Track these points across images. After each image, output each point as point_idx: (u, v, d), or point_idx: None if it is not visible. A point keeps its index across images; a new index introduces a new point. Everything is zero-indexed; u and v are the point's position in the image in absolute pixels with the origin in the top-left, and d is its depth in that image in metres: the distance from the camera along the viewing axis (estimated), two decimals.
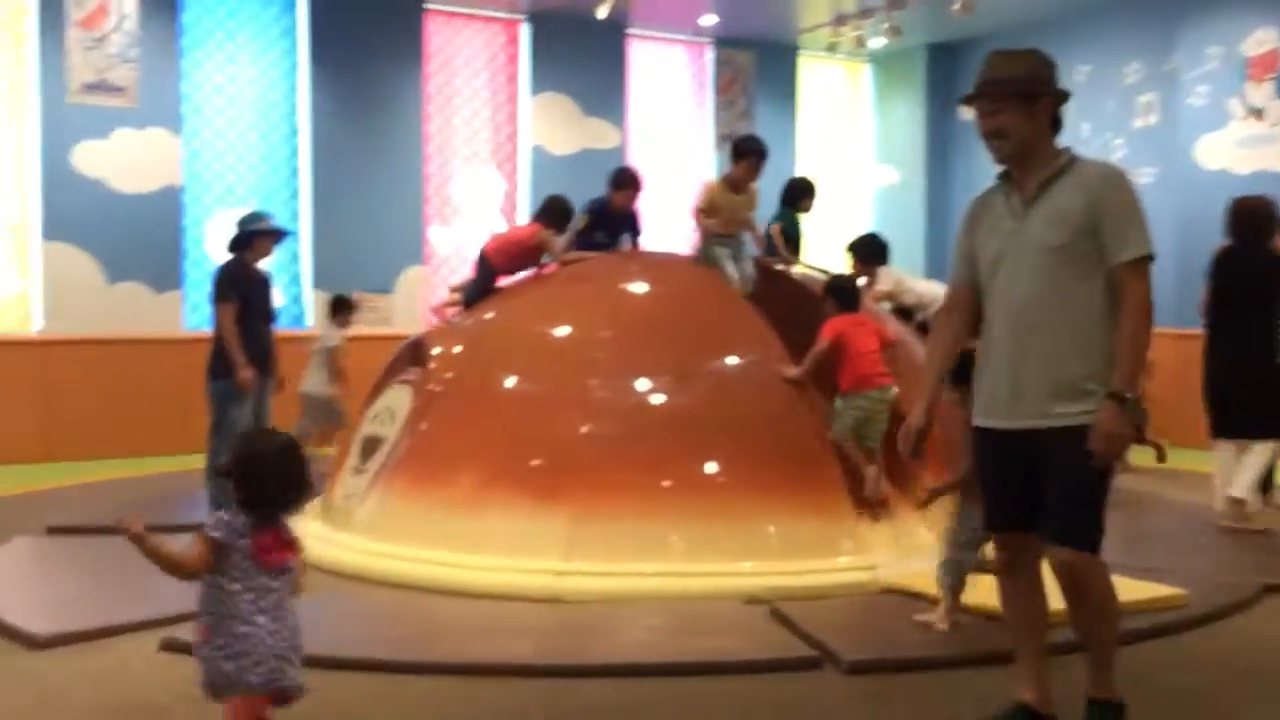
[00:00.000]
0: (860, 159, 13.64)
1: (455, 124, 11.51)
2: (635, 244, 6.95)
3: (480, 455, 5.52)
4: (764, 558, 5.12)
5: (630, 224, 6.91)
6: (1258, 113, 10.14)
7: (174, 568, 2.89)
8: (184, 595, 4.95)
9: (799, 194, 7.82)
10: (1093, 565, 3.27)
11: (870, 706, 3.83)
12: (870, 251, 7.69)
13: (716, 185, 6.41)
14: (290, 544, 3.00)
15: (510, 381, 5.80)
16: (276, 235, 6.78)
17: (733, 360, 5.82)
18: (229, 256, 6.70)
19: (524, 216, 11.65)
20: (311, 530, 5.87)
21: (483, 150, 11.65)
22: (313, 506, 6.29)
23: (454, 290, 7.07)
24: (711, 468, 5.34)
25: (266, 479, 2.95)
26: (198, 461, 8.22)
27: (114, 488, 7.87)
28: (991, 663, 4.02)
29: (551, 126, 11.74)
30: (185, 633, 4.32)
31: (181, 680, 3.94)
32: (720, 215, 6.26)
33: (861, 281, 7.14)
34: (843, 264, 7.76)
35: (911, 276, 8.21)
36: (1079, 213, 3.23)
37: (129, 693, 3.85)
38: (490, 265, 6.62)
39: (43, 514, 6.65)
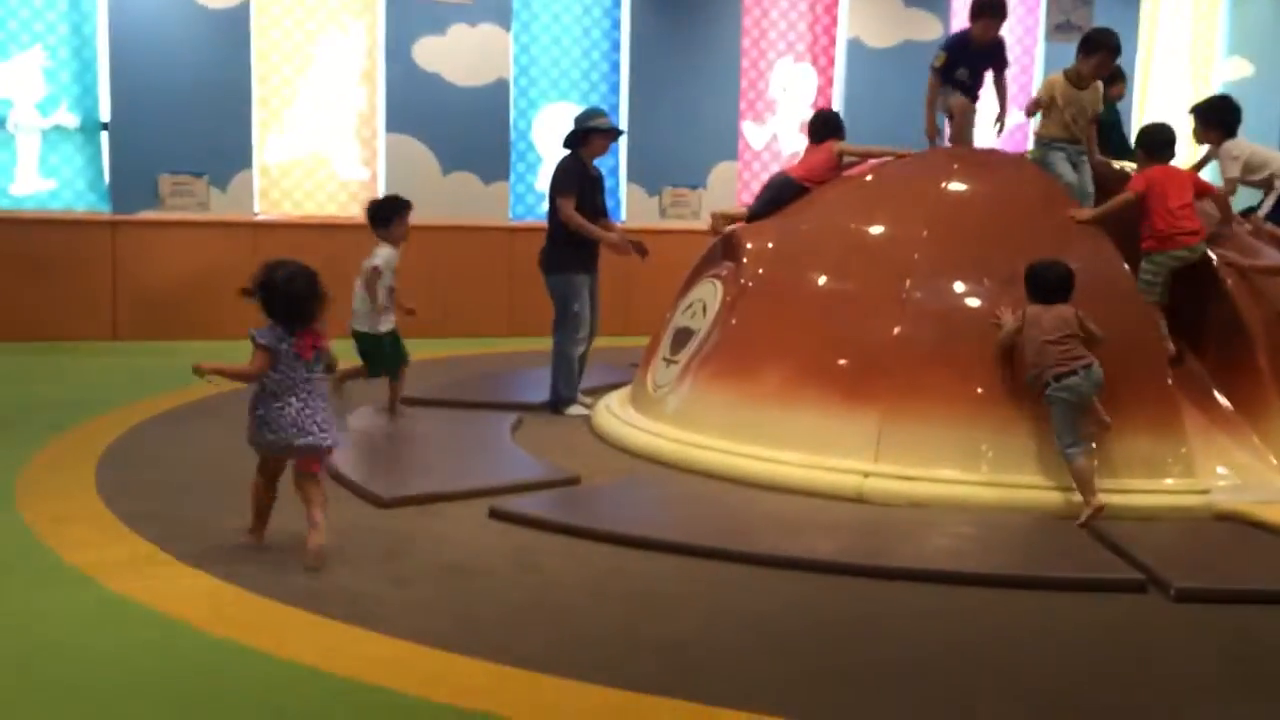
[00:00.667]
0: (1206, 51, 12.44)
1: (773, 16, 11.34)
2: (1001, 79, 6.56)
3: (790, 352, 5.54)
4: None
5: (994, 56, 6.51)
6: None
7: (246, 376, 4.04)
8: (508, 469, 5.33)
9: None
10: None
11: (1198, 637, 3.62)
12: (1219, 115, 6.32)
13: (1059, 78, 6.02)
14: (319, 338, 4.08)
15: (822, 280, 5.76)
16: (612, 134, 6.85)
17: None
18: (565, 153, 6.78)
19: (840, 110, 11.43)
20: (625, 416, 6.14)
21: (799, 44, 11.45)
22: (626, 394, 6.55)
23: (719, 216, 7.01)
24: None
25: (278, 301, 4.06)
26: (519, 344, 8.74)
27: (450, 365, 8.43)
28: None
29: (870, 18, 11.37)
30: (510, 503, 4.65)
31: (508, 546, 4.25)
32: (1059, 114, 5.90)
33: (1202, 150, 6.51)
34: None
35: (1267, 148, 6.61)
36: None
37: (463, 552, 4.17)
38: (797, 187, 6.53)
39: (387, 387, 7.23)
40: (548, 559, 4.15)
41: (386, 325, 6.41)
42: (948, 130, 6.65)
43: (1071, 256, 5.50)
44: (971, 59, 6.43)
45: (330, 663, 3.19)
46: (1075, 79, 5.92)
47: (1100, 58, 5.88)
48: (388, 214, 6.48)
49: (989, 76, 6.56)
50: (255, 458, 4.15)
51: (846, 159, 6.55)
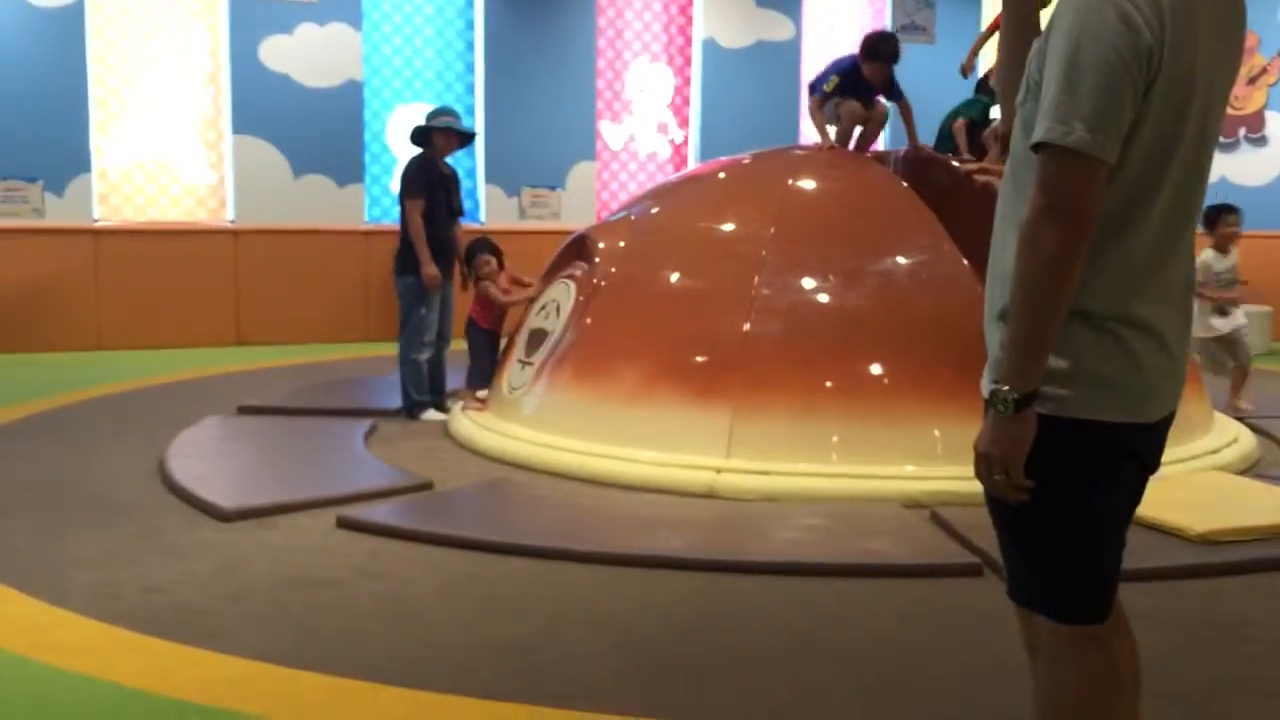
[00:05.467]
0: None
1: (627, 17, 11.39)
2: (905, 108, 6.56)
3: (643, 351, 5.56)
4: (927, 462, 5.02)
5: (886, 90, 6.54)
6: None
7: None
8: (358, 476, 5.22)
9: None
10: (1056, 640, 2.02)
11: None
12: None
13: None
14: None
15: (674, 278, 5.80)
16: (458, 135, 6.75)
17: (902, 260, 5.67)
18: (415, 152, 6.67)
19: (696, 110, 11.55)
20: (480, 420, 6.08)
21: (654, 44, 11.52)
22: (484, 396, 6.49)
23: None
24: (876, 369, 5.25)
25: None
26: (377, 349, 8.56)
27: (299, 371, 8.26)
28: (1204, 575, 3.95)
29: (723, 19, 11.51)
30: (358, 511, 4.56)
31: (356, 555, 4.16)
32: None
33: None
34: None
35: None
36: (1033, 70, 1.91)
37: (305, 565, 4.07)
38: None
39: (234, 395, 7.04)
40: (396, 566, 4.07)
41: None
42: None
43: (913, 252, 5.66)
44: (862, 90, 6.47)
45: (160, 684, 3.07)
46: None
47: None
48: None
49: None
50: (82, 477, 3.96)
51: None
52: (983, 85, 7.44)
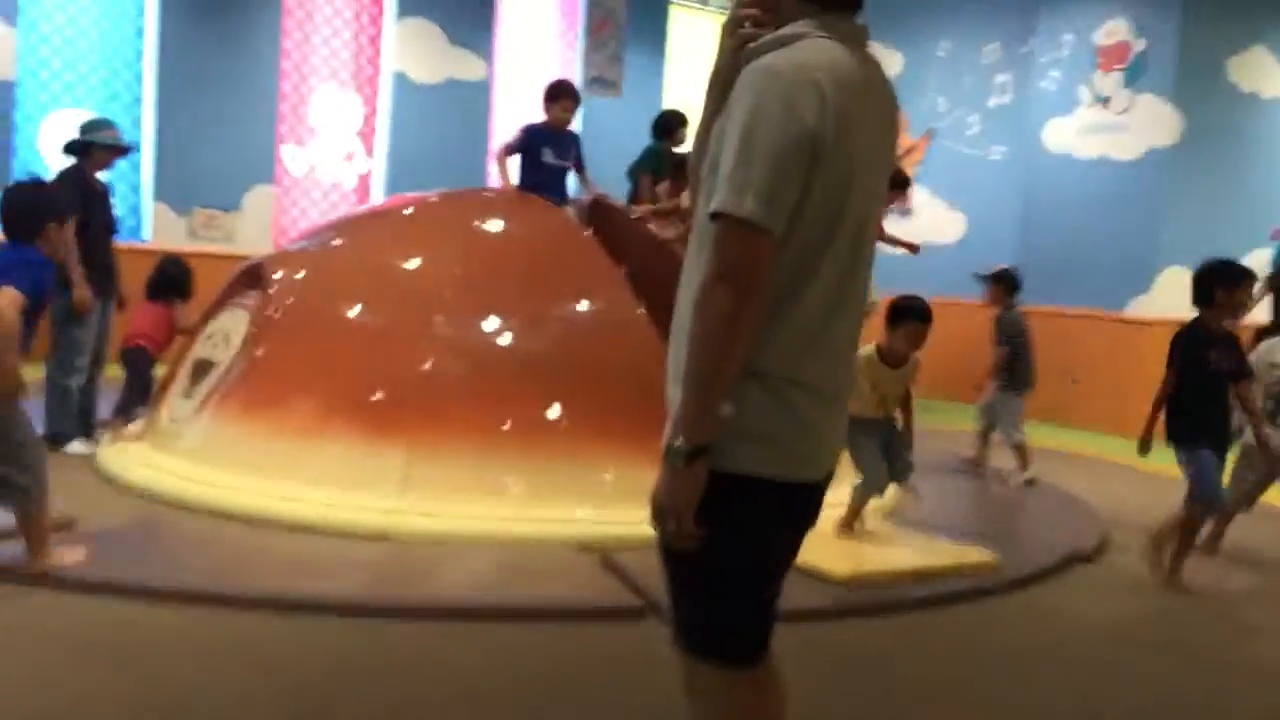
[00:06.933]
0: None
1: (314, 41, 11.09)
2: (582, 173, 6.77)
3: (317, 385, 5.38)
4: (601, 505, 5.10)
5: (576, 144, 6.72)
6: (1104, 101, 10.52)
7: None
8: None
9: (671, 125, 7.87)
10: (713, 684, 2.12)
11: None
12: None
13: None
14: None
15: (353, 312, 5.65)
16: (118, 151, 6.34)
17: (583, 306, 5.78)
18: (67, 163, 6.21)
19: (384, 142, 11.39)
20: (133, 453, 5.67)
21: (342, 72, 11.27)
22: (137, 428, 6.06)
23: None
24: (554, 412, 5.31)
25: None
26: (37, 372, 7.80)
27: None
28: (848, 615, 4.19)
29: (415, 53, 11.43)
30: None
31: None
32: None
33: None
34: None
35: None
36: (714, 146, 2.02)
37: None
38: None
39: None
40: (18, 616, 3.70)
41: None
42: None
43: (593, 298, 5.79)
44: (556, 141, 6.63)
45: None
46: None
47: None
48: None
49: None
50: None
51: None
52: (658, 130, 7.81)
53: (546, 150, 6.60)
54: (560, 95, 6.61)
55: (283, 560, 4.50)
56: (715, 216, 1.91)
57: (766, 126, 1.88)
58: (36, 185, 4.59)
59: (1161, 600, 4.95)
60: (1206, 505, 5.09)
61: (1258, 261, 10.35)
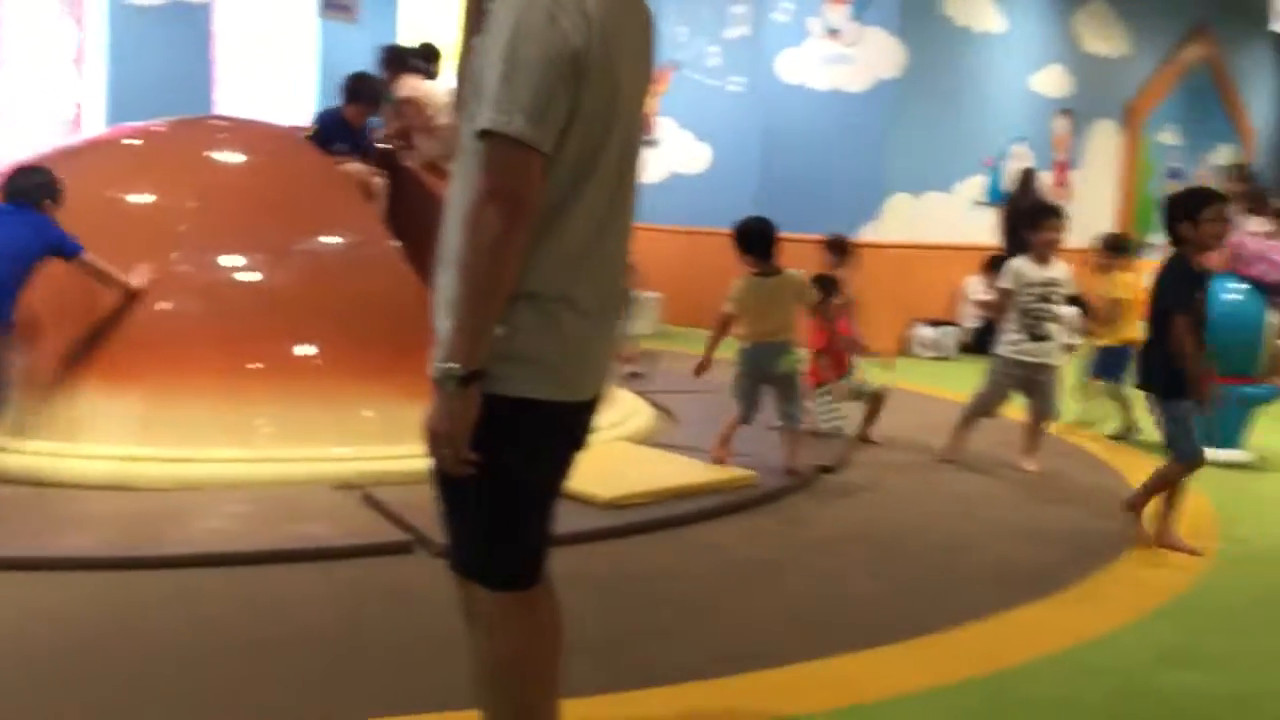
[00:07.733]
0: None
1: None
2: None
3: (42, 331, 4.98)
4: (361, 443, 4.98)
5: (367, 139, 6.51)
6: (834, 33, 10.90)
7: None
8: None
9: (429, 59, 7.65)
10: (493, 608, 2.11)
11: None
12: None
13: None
14: None
15: None
16: None
17: (333, 240, 5.59)
18: None
19: (99, 69, 10.58)
20: None
21: None
22: None
23: None
24: (305, 349, 5.13)
25: None
26: None
27: None
28: (612, 536, 4.26)
29: None
30: None
31: None
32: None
33: None
34: None
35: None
36: (476, 67, 1.97)
37: None
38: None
39: None
40: None
41: None
42: None
43: (343, 232, 5.61)
44: (349, 137, 6.35)
45: None
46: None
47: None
48: None
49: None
50: None
51: None
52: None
53: (339, 144, 6.34)
54: (353, 100, 6.39)
55: (13, 517, 4.18)
56: (483, 135, 1.87)
57: (530, 42, 1.85)
58: None
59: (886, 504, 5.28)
60: (1192, 464, 4.49)
61: (972, 189, 11.14)
